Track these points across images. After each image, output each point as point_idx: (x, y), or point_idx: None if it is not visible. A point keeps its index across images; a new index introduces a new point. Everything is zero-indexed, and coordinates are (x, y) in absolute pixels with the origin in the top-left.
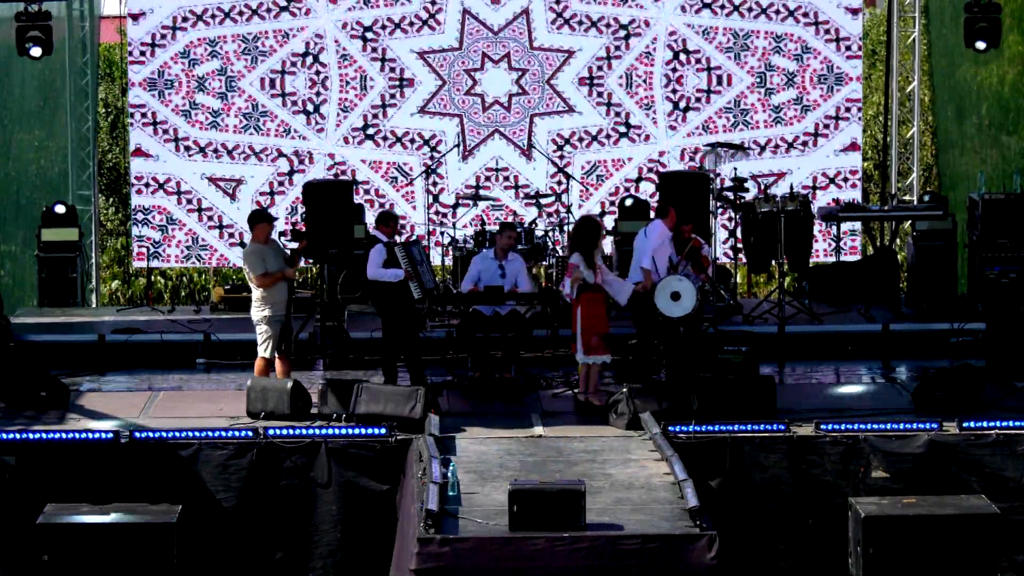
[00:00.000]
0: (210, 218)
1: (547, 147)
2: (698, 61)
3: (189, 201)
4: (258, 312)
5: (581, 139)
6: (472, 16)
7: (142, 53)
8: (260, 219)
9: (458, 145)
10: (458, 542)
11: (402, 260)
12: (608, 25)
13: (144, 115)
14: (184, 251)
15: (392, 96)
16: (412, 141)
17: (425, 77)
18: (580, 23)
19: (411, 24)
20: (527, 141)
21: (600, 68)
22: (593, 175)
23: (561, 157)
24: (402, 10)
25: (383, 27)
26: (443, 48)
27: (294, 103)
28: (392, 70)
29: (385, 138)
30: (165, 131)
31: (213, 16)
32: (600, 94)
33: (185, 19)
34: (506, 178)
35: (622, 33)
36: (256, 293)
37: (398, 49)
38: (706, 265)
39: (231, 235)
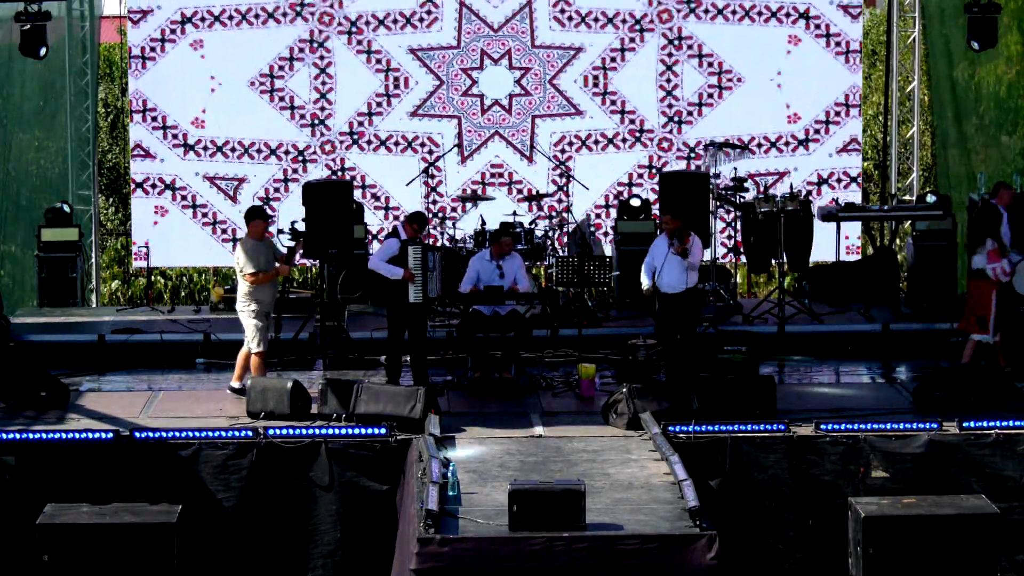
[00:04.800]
0: (205, 215)
1: (549, 150)
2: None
3: (184, 198)
4: (244, 307)
5: (592, 140)
6: (471, 12)
7: (142, 54)
8: (256, 215)
9: (457, 145)
10: (458, 542)
11: (412, 259)
12: (615, 22)
13: (143, 115)
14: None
15: (387, 97)
16: (405, 143)
17: (421, 77)
18: (585, 20)
19: (398, 21)
20: (529, 144)
21: (605, 66)
22: (597, 176)
23: (567, 159)
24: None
25: (368, 23)
26: (440, 46)
27: (288, 102)
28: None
29: (370, 142)
30: (164, 130)
31: (203, 19)
32: (605, 94)
33: (184, 19)
34: (509, 181)
35: (628, 30)
36: (243, 288)
37: (389, 46)
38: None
39: (224, 232)
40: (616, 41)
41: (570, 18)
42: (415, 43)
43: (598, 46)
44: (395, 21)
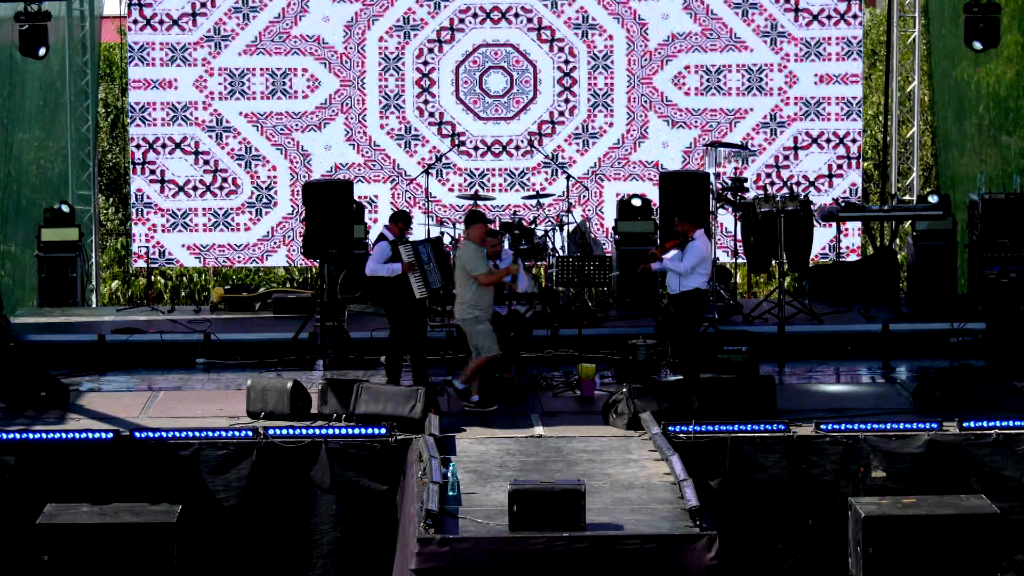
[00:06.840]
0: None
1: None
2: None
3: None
4: (469, 313)
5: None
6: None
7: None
8: (478, 219)
9: (457, 144)
10: (458, 542)
11: (406, 257)
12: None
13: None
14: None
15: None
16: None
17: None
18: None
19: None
20: (529, 140)
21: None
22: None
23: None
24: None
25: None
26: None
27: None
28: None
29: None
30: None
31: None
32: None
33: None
34: (503, 145)
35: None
36: (467, 295)
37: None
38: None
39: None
40: (561, 58)
41: (543, 38)
42: (450, 58)
43: (556, 60)
44: (438, 45)
